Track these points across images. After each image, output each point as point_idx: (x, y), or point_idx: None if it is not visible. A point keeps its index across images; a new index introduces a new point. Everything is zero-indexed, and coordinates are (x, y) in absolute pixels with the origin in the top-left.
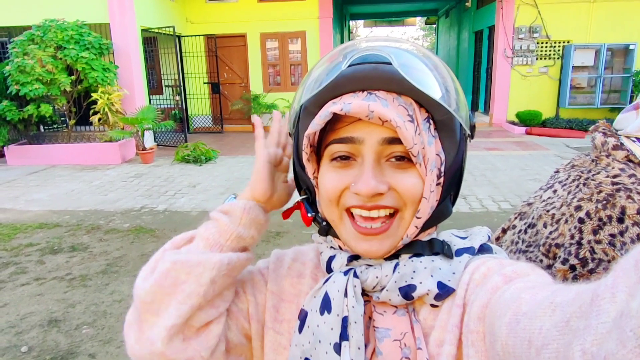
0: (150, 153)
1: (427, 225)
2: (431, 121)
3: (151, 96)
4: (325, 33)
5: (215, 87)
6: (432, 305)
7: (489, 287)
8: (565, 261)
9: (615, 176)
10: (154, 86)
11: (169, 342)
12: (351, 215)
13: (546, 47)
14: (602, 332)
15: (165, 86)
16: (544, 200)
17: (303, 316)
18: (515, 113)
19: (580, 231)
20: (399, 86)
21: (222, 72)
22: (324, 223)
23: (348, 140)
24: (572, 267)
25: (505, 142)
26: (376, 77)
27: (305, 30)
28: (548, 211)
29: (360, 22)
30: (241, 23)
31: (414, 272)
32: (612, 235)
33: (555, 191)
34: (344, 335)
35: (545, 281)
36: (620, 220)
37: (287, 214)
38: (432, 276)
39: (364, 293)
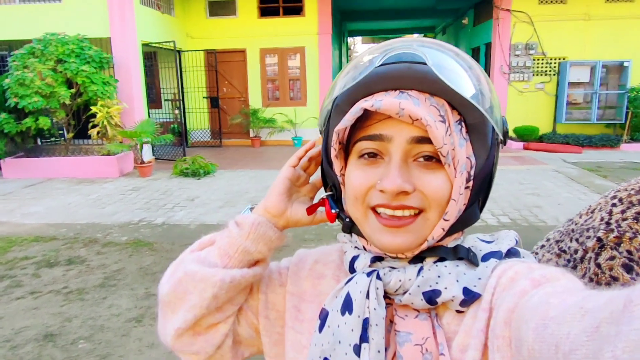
0: (149, 166)
1: (453, 230)
2: (463, 124)
3: (150, 110)
4: (324, 49)
5: (214, 102)
6: (457, 311)
7: (516, 291)
8: (593, 237)
9: None
10: (154, 100)
11: (178, 338)
12: (376, 212)
13: (542, 63)
14: (634, 339)
15: (165, 100)
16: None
17: (324, 316)
18: (512, 128)
19: (610, 214)
20: (432, 86)
21: (221, 86)
22: (347, 219)
23: (377, 138)
24: (599, 239)
25: (503, 157)
26: (409, 76)
27: (305, 46)
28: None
29: (359, 38)
30: (241, 38)
31: (438, 277)
32: (639, 213)
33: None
34: (364, 337)
35: (577, 286)
36: None
37: (311, 210)
38: (457, 281)
39: (386, 296)
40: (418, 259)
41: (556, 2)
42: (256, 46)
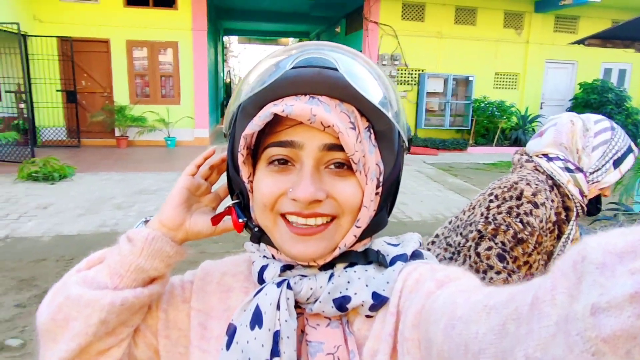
0: None
1: (363, 236)
2: (372, 131)
3: None
4: (199, 46)
5: (70, 96)
6: (367, 316)
7: (422, 293)
8: (474, 230)
9: (523, 175)
10: None
11: None
12: (286, 220)
13: (405, 74)
14: (545, 336)
15: (6, 92)
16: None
17: (231, 332)
18: None
19: (488, 209)
20: (342, 93)
21: (79, 79)
22: (256, 229)
23: (287, 144)
24: (479, 231)
25: None
26: (320, 81)
27: (178, 41)
28: (470, 204)
29: (235, 38)
30: (103, 27)
31: (348, 282)
32: (510, 208)
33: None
34: (275, 351)
35: (477, 284)
36: (518, 198)
37: (216, 220)
38: (367, 286)
39: (297, 305)
40: (329, 265)
41: (416, 19)
42: (122, 37)
